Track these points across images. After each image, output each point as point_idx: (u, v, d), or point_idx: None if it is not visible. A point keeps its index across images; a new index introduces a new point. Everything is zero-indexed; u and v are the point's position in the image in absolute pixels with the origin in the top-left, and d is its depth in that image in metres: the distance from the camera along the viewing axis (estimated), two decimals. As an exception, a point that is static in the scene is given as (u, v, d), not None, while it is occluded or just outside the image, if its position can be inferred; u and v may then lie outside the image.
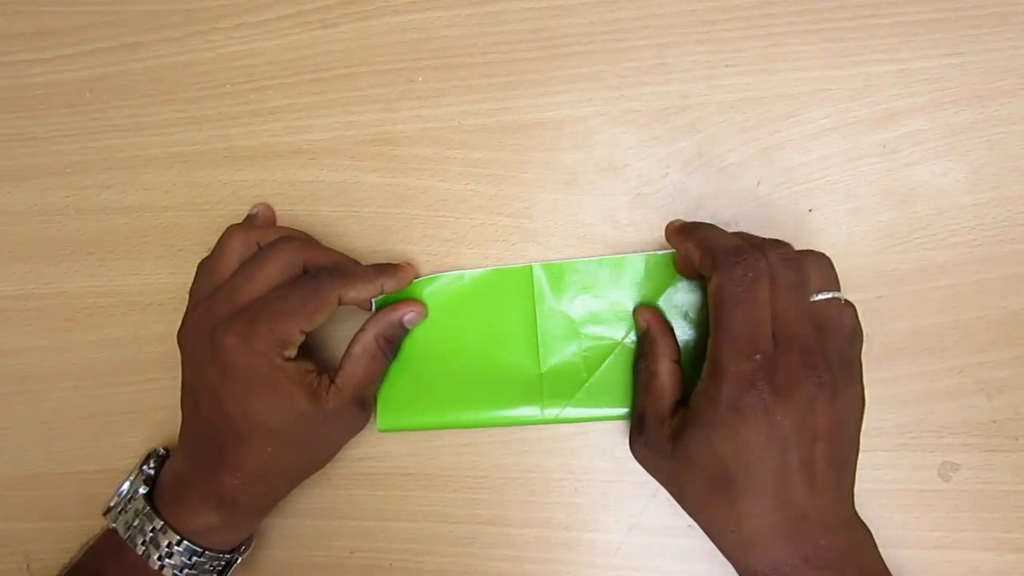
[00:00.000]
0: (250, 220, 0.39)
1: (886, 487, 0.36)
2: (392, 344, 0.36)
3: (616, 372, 0.37)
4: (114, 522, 0.34)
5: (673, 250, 0.36)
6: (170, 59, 0.40)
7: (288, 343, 0.33)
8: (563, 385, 0.37)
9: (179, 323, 0.39)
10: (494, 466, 0.38)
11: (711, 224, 0.34)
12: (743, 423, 0.30)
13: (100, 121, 0.40)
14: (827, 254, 0.32)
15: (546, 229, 0.38)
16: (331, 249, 0.37)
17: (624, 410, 0.37)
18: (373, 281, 0.35)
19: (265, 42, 0.39)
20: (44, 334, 0.41)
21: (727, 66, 0.37)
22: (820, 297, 0.31)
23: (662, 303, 0.36)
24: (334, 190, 0.39)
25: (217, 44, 0.40)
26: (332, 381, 0.35)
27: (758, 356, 0.30)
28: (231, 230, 0.36)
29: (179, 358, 0.39)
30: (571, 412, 0.37)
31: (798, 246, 0.36)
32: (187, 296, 0.39)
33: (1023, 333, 0.36)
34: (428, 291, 0.37)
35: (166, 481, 0.35)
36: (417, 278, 0.37)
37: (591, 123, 0.38)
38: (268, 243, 0.35)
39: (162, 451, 0.37)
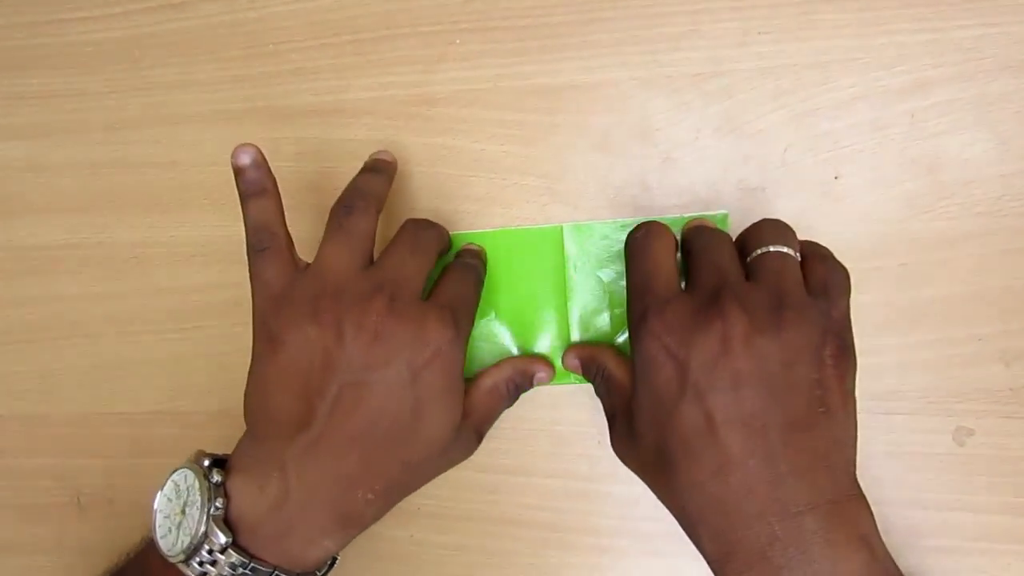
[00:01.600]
0: (383, 164, 0.36)
1: (902, 449, 0.37)
2: (518, 392, 0.37)
3: None
4: (193, 574, 0.29)
5: (702, 214, 0.37)
6: (216, 19, 0.41)
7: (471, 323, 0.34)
8: (590, 344, 0.38)
9: (224, 273, 0.41)
10: (519, 417, 0.39)
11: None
12: (650, 368, 0.29)
13: (147, 78, 0.42)
14: (781, 219, 0.33)
15: (576, 191, 0.39)
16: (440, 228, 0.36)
17: None
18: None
19: (308, 3, 0.40)
20: (94, 282, 0.43)
21: (760, 33, 0.37)
22: (755, 253, 0.31)
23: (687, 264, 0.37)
24: (371, 148, 0.40)
25: (261, 5, 0.41)
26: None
27: (648, 297, 0.30)
28: (353, 210, 0.32)
29: (221, 307, 0.41)
30: None
31: (825, 212, 0.37)
32: (229, 248, 0.41)
33: (1044, 302, 0.36)
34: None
35: (257, 512, 0.29)
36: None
37: (623, 87, 0.38)
38: (409, 229, 0.34)
39: (217, 478, 0.30)
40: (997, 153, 0.36)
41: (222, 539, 0.29)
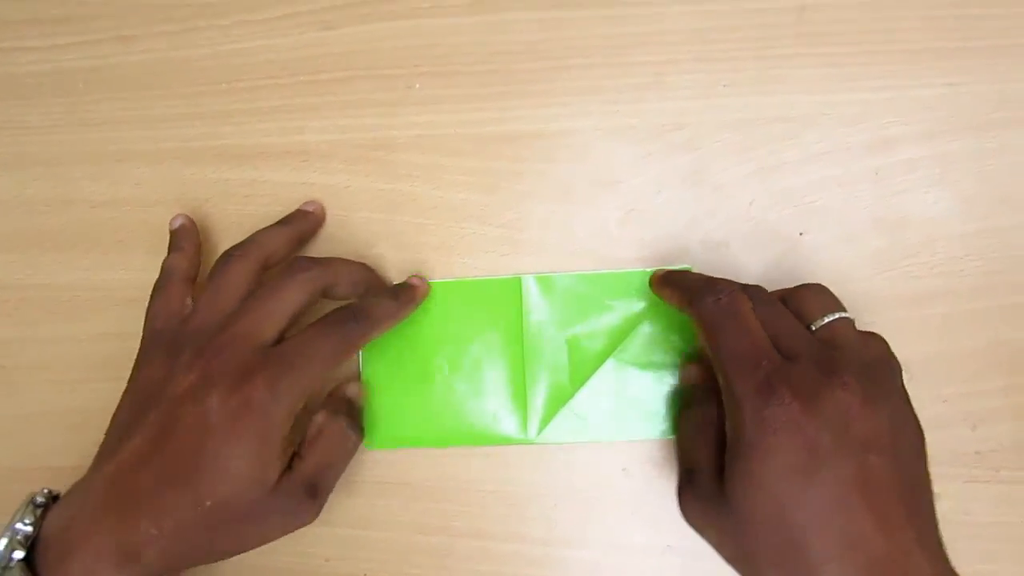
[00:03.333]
0: (299, 216, 0.37)
1: (867, 514, 0.36)
2: (353, 423, 0.35)
3: (601, 391, 0.36)
4: None
5: (663, 267, 0.36)
6: (167, 54, 0.40)
7: (308, 395, 0.31)
8: (548, 403, 0.37)
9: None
10: (473, 479, 0.37)
11: (692, 272, 0.34)
12: (775, 438, 0.27)
13: (92, 113, 0.40)
14: (821, 283, 0.32)
15: (538, 241, 0.38)
16: (343, 263, 0.36)
17: (606, 433, 0.36)
18: (397, 316, 0.35)
19: (263, 41, 0.39)
20: (25, 325, 0.40)
21: (725, 86, 0.37)
22: (822, 322, 0.30)
23: (651, 320, 0.36)
24: (326, 193, 0.39)
25: (215, 41, 0.39)
26: (291, 464, 0.32)
27: (765, 362, 0.29)
28: (231, 259, 0.34)
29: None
30: (552, 434, 0.37)
31: (788, 268, 0.36)
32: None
33: (1009, 365, 0.36)
34: None
35: (53, 532, 0.29)
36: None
37: (587, 136, 0.37)
38: (281, 270, 0.33)
39: (40, 499, 0.30)
40: (960, 212, 0.36)
41: (15, 555, 0.28)
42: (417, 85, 0.38)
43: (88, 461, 0.39)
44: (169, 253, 0.37)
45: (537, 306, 0.37)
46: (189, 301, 0.35)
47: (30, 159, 0.40)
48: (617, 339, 0.36)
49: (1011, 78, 0.36)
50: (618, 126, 0.37)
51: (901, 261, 0.36)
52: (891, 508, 0.27)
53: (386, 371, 0.37)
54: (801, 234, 0.37)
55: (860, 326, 0.36)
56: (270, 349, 0.31)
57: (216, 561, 0.31)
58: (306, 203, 0.38)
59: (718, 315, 0.30)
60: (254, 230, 0.39)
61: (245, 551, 0.32)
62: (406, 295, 0.36)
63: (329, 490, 0.34)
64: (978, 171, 0.36)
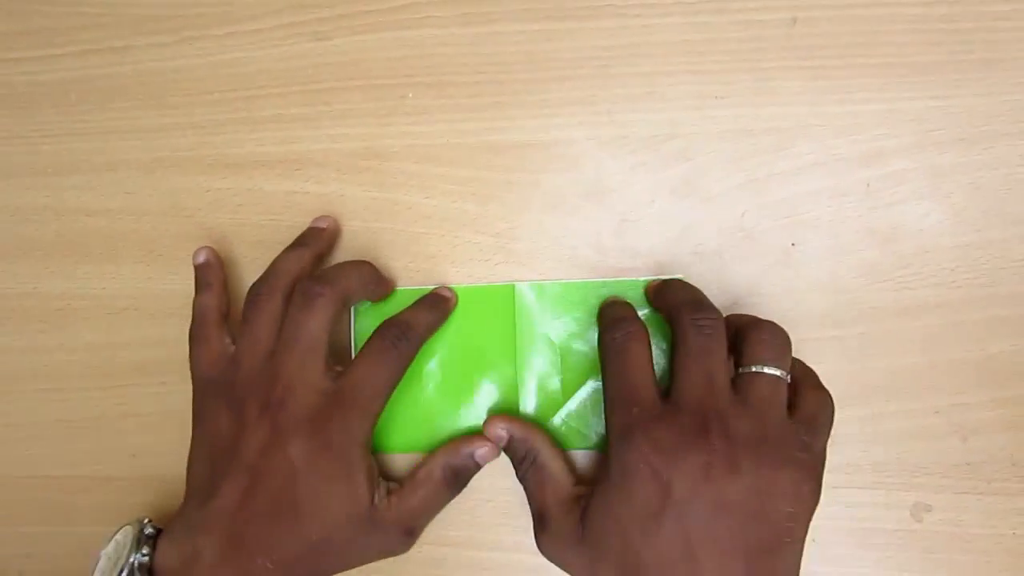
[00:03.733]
0: (314, 235, 0.37)
1: (859, 525, 0.36)
2: (459, 478, 0.35)
3: (593, 398, 0.36)
4: None
5: (655, 277, 0.36)
6: (159, 64, 0.40)
7: (377, 420, 0.33)
8: (540, 411, 0.37)
9: (154, 330, 0.39)
10: (467, 488, 0.37)
11: (679, 284, 0.35)
12: (632, 481, 0.29)
13: (84, 123, 0.40)
14: (783, 328, 0.32)
15: (530, 250, 0.38)
16: (348, 270, 0.35)
17: (597, 442, 0.36)
18: (436, 328, 0.36)
19: (256, 51, 0.39)
20: (16, 335, 0.40)
21: (716, 97, 0.37)
22: (747, 370, 0.30)
23: None
24: (319, 202, 0.39)
25: (208, 51, 0.39)
26: (390, 494, 0.34)
27: (635, 409, 0.30)
28: (259, 298, 0.34)
29: (152, 365, 0.39)
30: None
31: (778, 280, 0.36)
32: (162, 303, 0.39)
33: (1000, 376, 0.36)
34: (405, 304, 0.37)
35: (172, 566, 0.32)
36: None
37: (580, 147, 0.38)
38: (297, 304, 0.33)
39: (151, 529, 0.33)
40: (951, 224, 0.36)
41: None
42: (410, 95, 0.38)
43: (81, 470, 0.39)
44: (197, 293, 0.37)
45: (530, 314, 0.37)
46: (228, 340, 0.35)
47: (22, 168, 0.40)
48: None
49: (1002, 91, 0.36)
50: (610, 136, 0.37)
51: (892, 272, 0.36)
52: (734, 569, 0.28)
53: None
54: (793, 245, 0.37)
55: (853, 337, 0.36)
56: (331, 389, 0.32)
57: None
58: (318, 219, 0.37)
59: (610, 352, 0.32)
60: (246, 239, 0.39)
61: (345, 571, 0.34)
62: (442, 306, 0.36)
63: (423, 529, 0.35)
64: (969, 183, 0.36)
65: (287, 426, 0.32)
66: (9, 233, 0.40)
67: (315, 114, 0.39)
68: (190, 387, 0.38)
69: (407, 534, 0.34)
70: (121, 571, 0.31)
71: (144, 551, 0.32)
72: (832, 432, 0.35)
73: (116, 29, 0.40)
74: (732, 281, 0.37)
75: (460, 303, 0.37)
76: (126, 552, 0.32)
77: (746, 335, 0.31)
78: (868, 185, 0.37)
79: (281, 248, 0.37)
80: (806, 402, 0.31)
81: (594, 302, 0.37)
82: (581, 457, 0.37)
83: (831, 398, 0.32)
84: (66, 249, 0.40)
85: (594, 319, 0.37)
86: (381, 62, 0.39)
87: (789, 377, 0.31)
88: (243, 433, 0.32)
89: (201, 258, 0.37)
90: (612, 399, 0.32)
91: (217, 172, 0.39)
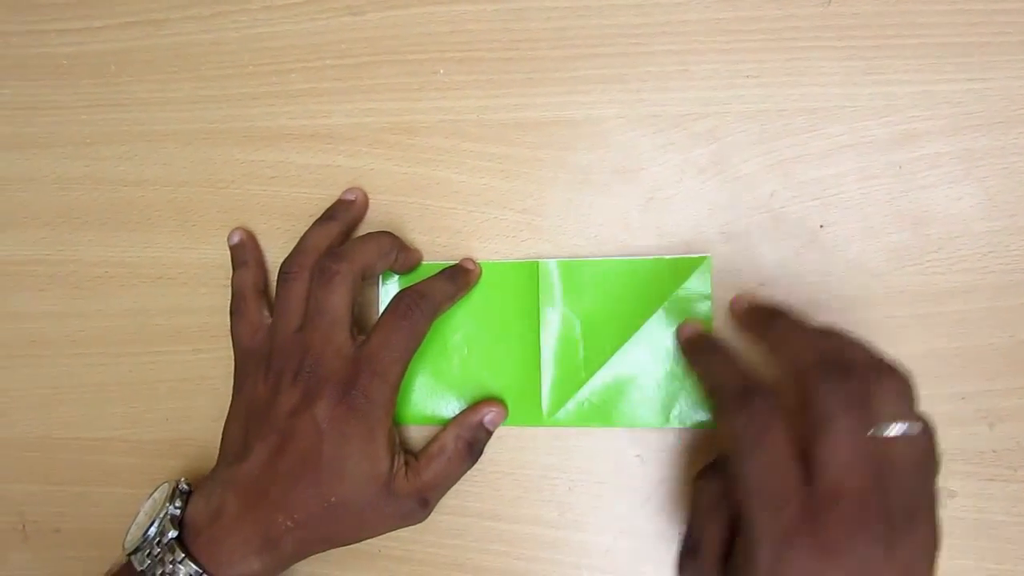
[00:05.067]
0: (343, 207, 0.38)
1: (881, 508, 0.36)
2: (473, 448, 0.36)
3: (615, 376, 0.37)
4: (141, 566, 0.32)
5: (679, 256, 0.36)
6: (196, 37, 0.40)
7: (399, 387, 0.34)
8: (562, 386, 0.37)
9: (188, 298, 0.40)
10: (488, 460, 0.38)
11: (779, 313, 0.33)
12: None
13: (123, 94, 0.41)
14: (906, 371, 0.29)
15: (557, 227, 0.38)
16: (367, 244, 0.36)
17: (618, 419, 0.37)
18: (454, 299, 0.37)
19: (291, 25, 0.40)
20: (54, 301, 0.41)
21: (748, 76, 0.37)
22: (889, 432, 0.27)
23: (667, 308, 0.36)
24: (350, 176, 0.39)
25: (244, 25, 0.40)
26: (407, 466, 0.35)
27: (789, 509, 0.26)
28: (289, 277, 0.35)
29: (185, 332, 0.40)
30: (564, 418, 0.37)
31: (806, 261, 0.36)
32: (197, 272, 0.40)
33: (1029, 363, 0.35)
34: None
35: (200, 519, 0.33)
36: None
37: (609, 124, 0.38)
38: (318, 282, 0.34)
39: (185, 486, 0.35)
40: (984, 209, 0.36)
41: (170, 533, 0.33)
42: (441, 71, 0.39)
43: (115, 432, 0.40)
44: (235, 270, 0.39)
45: (554, 290, 0.37)
46: (266, 313, 0.37)
47: (63, 138, 0.41)
48: (633, 326, 0.37)
49: (1040, 73, 0.36)
50: (640, 115, 0.37)
51: (922, 256, 0.36)
52: None
53: None
54: (821, 226, 0.36)
55: (880, 321, 0.36)
56: (355, 355, 0.34)
57: (336, 547, 0.35)
58: (347, 191, 0.38)
59: (745, 440, 0.28)
60: (279, 211, 0.39)
61: (361, 540, 0.35)
62: (462, 278, 0.37)
63: (438, 500, 0.36)
64: (1004, 168, 0.36)
65: (315, 390, 0.33)
66: (49, 200, 0.41)
67: (347, 88, 0.39)
68: (221, 354, 0.39)
69: (422, 505, 0.35)
70: (153, 522, 0.33)
71: (176, 504, 0.34)
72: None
73: (155, 2, 0.41)
74: (759, 262, 0.37)
75: (485, 278, 0.38)
76: (159, 506, 0.34)
77: (871, 382, 0.28)
78: (900, 168, 0.36)
79: (311, 220, 0.37)
80: (927, 466, 0.28)
81: (619, 280, 0.37)
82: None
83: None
84: (104, 218, 0.41)
85: (619, 297, 0.37)
86: (413, 37, 0.39)
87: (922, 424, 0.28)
88: (276, 398, 0.34)
89: (236, 239, 0.39)
90: (757, 494, 0.27)
91: (251, 144, 0.40)
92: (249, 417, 0.35)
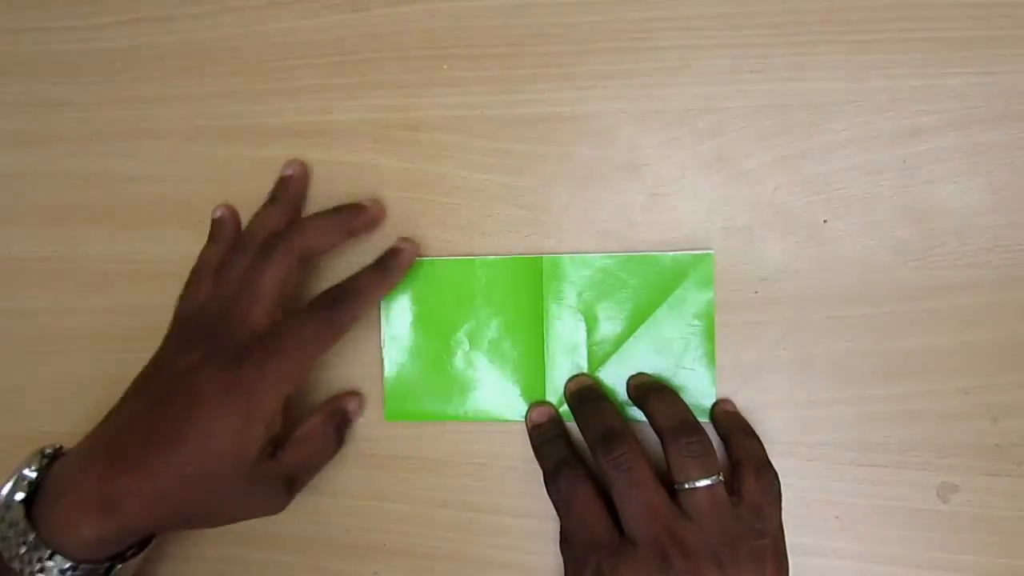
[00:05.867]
0: (283, 185, 0.39)
1: (884, 503, 0.36)
2: (340, 433, 0.37)
3: (617, 371, 0.37)
4: None
5: (681, 252, 0.36)
6: (201, 34, 0.40)
7: (299, 381, 0.34)
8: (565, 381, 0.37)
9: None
10: (493, 454, 0.38)
11: (590, 400, 0.36)
12: None
13: (128, 91, 0.41)
14: (697, 426, 0.33)
15: (560, 223, 0.38)
16: (309, 220, 0.37)
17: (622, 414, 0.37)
18: (384, 287, 0.36)
19: (295, 22, 0.40)
20: (61, 297, 0.41)
21: (752, 72, 0.37)
22: (683, 487, 0.32)
23: (670, 304, 0.36)
24: (354, 172, 0.39)
25: (248, 21, 0.40)
26: (274, 451, 0.34)
27: (600, 551, 0.32)
28: (234, 252, 0.36)
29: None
30: (570, 413, 0.37)
31: (809, 256, 0.36)
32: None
33: (1033, 358, 0.35)
34: (435, 273, 0.38)
35: (48, 482, 0.32)
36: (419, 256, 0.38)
37: (612, 120, 0.38)
38: (255, 253, 0.35)
39: (49, 450, 0.33)
40: (989, 203, 0.36)
41: (16, 495, 0.31)
42: (445, 66, 0.39)
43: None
44: (207, 242, 0.39)
45: (557, 286, 0.37)
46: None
47: (68, 135, 0.41)
48: (636, 321, 0.37)
49: (1047, 67, 0.35)
50: (644, 110, 0.37)
51: (927, 251, 0.36)
52: None
53: (408, 346, 0.38)
54: (825, 221, 0.36)
55: (883, 315, 0.36)
56: (263, 334, 0.33)
57: (191, 529, 0.33)
58: (285, 165, 0.39)
59: (560, 502, 0.34)
60: (283, 207, 0.39)
61: (215, 526, 0.34)
62: (393, 262, 0.36)
63: (303, 486, 0.36)
64: (1010, 162, 0.36)
65: (211, 355, 0.33)
66: (56, 198, 0.41)
67: (351, 84, 0.39)
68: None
69: (287, 488, 0.34)
70: (7, 484, 0.32)
71: (32, 467, 0.32)
72: (860, 410, 0.35)
73: (160, -1, 0.41)
74: (763, 257, 0.37)
75: (488, 274, 0.38)
76: (19, 467, 0.32)
77: (669, 446, 0.33)
78: (904, 162, 0.36)
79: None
80: (749, 491, 0.33)
81: (622, 275, 0.37)
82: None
83: (773, 472, 0.34)
84: (110, 214, 0.41)
85: (622, 292, 0.37)
86: (417, 33, 0.39)
87: (721, 476, 0.32)
88: (175, 358, 0.33)
89: (217, 213, 0.39)
90: (573, 539, 0.33)
91: (255, 141, 0.40)
92: (143, 375, 0.34)
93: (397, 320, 0.38)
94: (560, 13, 0.38)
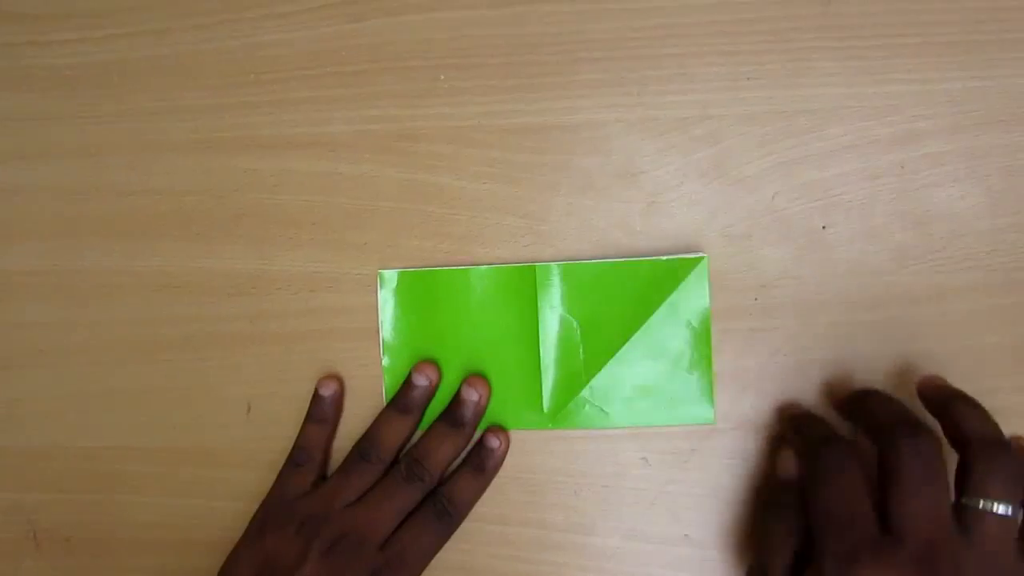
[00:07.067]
0: (412, 392, 0.38)
1: (887, 509, 0.36)
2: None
3: (615, 377, 0.37)
4: None
5: (675, 256, 0.36)
6: (197, 46, 0.40)
7: None
8: (562, 389, 0.37)
9: (195, 306, 0.40)
10: (495, 465, 0.38)
11: (884, 399, 0.33)
12: None
13: (126, 104, 0.41)
14: (1017, 451, 0.31)
15: (559, 232, 0.38)
16: (442, 459, 0.37)
17: (619, 420, 0.37)
18: (484, 489, 0.37)
19: (291, 33, 0.40)
20: (61, 310, 0.41)
21: (748, 79, 0.37)
22: (977, 504, 0.29)
23: (666, 308, 0.36)
24: (352, 183, 0.39)
25: (245, 33, 0.40)
26: None
27: (855, 536, 0.29)
28: (365, 460, 0.37)
29: (192, 342, 0.40)
30: (566, 420, 0.37)
31: (809, 262, 0.36)
32: (202, 281, 0.40)
33: (1034, 362, 0.35)
34: (431, 284, 0.38)
35: None
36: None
37: (609, 129, 0.38)
38: (398, 476, 0.36)
39: None
40: (987, 207, 0.36)
41: None
42: (442, 77, 0.39)
43: (123, 440, 0.41)
44: (311, 423, 0.38)
45: (553, 293, 0.37)
46: (316, 477, 0.38)
47: (67, 149, 0.41)
48: (632, 327, 0.37)
49: (1043, 71, 0.35)
50: (641, 118, 0.37)
51: (925, 256, 0.36)
52: None
53: (406, 353, 0.38)
54: (824, 228, 0.36)
55: (883, 322, 0.36)
56: (386, 550, 0.35)
57: None
58: (417, 375, 0.38)
59: (824, 472, 0.31)
60: (282, 220, 0.40)
61: None
62: (491, 463, 0.37)
63: None
64: (1007, 166, 0.36)
65: (340, 570, 0.35)
66: (55, 211, 0.41)
67: (348, 96, 0.39)
68: (228, 362, 0.39)
69: None
70: None
71: None
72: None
73: (155, 12, 0.41)
74: (762, 264, 0.37)
75: (483, 284, 0.38)
76: None
77: (975, 458, 0.29)
78: (902, 167, 0.36)
79: (314, 228, 0.38)
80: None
81: (617, 281, 0.37)
82: (608, 436, 0.37)
83: None
84: (108, 227, 0.41)
85: (617, 298, 0.37)
86: (414, 44, 0.39)
87: (1022, 513, 0.29)
88: (301, 565, 0.35)
89: (328, 391, 0.38)
90: (826, 522, 0.30)
91: (253, 153, 0.40)
92: (263, 565, 0.35)
93: (395, 330, 0.38)
94: (556, 23, 0.38)
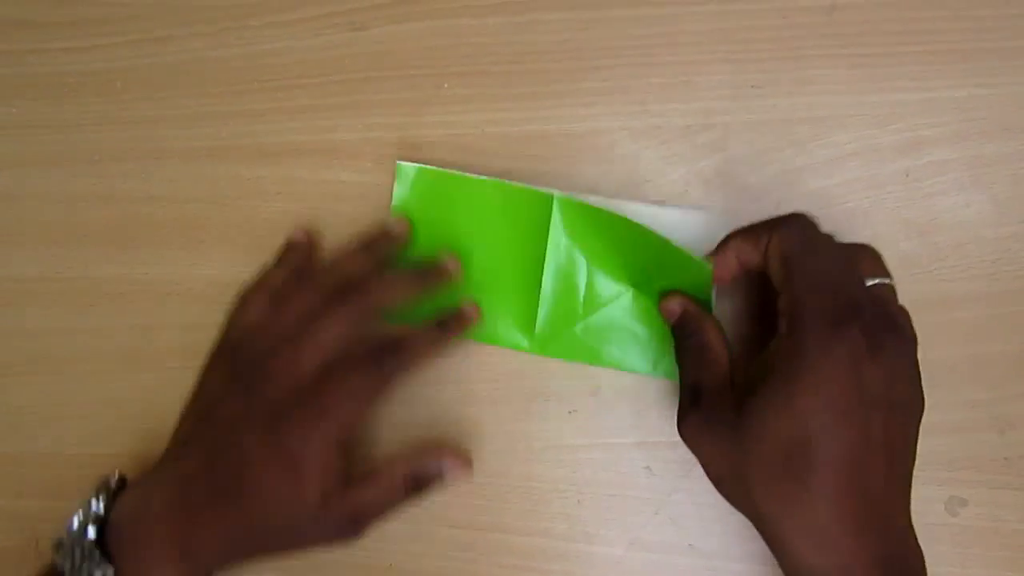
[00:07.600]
0: (290, 248, 0.38)
1: (892, 518, 0.36)
2: (420, 486, 0.34)
3: (611, 320, 0.37)
4: (62, 565, 0.31)
5: (688, 252, 0.35)
6: (200, 54, 0.40)
7: (350, 434, 0.33)
8: (557, 318, 0.37)
9: (196, 315, 0.40)
10: (497, 473, 0.38)
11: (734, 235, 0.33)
12: (833, 371, 0.27)
13: (129, 111, 0.41)
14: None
15: (563, 240, 0.38)
16: (390, 284, 0.36)
17: (603, 359, 0.37)
18: (440, 347, 0.36)
19: (294, 41, 0.40)
20: (64, 317, 0.41)
21: (753, 87, 0.37)
22: (872, 281, 0.30)
23: (671, 268, 0.35)
24: (355, 191, 0.39)
25: (247, 41, 0.40)
26: (348, 485, 0.33)
27: (843, 291, 0.28)
28: (308, 283, 0.35)
29: (193, 348, 0.40)
30: (552, 348, 0.37)
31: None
32: (204, 289, 0.40)
33: (1039, 370, 0.35)
34: (448, 186, 0.37)
35: (123, 521, 0.32)
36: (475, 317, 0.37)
37: (614, 137, 0.38)
38: (328, 299, 0.34)
39: (114, 483, 0.34)
40: (992, 215, 0.36)
41: (89, 531, 0.31)
42: (445, 85, 0.39)
43: (124, 447, 0.40)
44: (275, 264, 0.38)
45: (567, 225, 0.37)
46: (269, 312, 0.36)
47: (70, 156, 0.41)
48: (638, 281, 0.36)
49: (1048, 79, 0.35)
50: (645, 126, 0.37)
51: (931, 264, 0.36)
52: (900, 466, 0.28)
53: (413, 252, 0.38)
54: (828, 236, 0.36)
55: (887, 329, 0.36)
56: (305, 390, 0.33)
57: (262, 559, 0.34)
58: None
59: (805, 240, 0.30)
60: (285, 227, 0.39)
61: (291, 556, 0.34)
62: (455, 324, 0.36)
63: (371, 523, 0.34)
64: (1012, 174, 0.36)
65: (253, 410, 0.33)
66: (58, 218, 0.41)
67: (351, 104, 0.39)
68: (230, 370, 0.39)
69: (355, 528, 0.33)
70: (78, 512, 0.32)
71: (102, 499, 0.33)
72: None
73: (158, 20, 0.41)
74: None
75: (499, 201, 0.37)
76: (87, 497, 0.33)
77: (858, 256, 0.31)
78: (907, 175, 0.36)
79: (321, 236, 0.38)
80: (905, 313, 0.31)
81: (628, 233, 0.35)
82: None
83: None
84: (111, 235, 0.41)
85: (627, 247, 0.36)
86: (417, 52, 0.39)
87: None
88: (223, 401, 0.33)
89: (295, 236, 0.38)
90: (816, 279, 0.29)
91: (256, 161, 0.40)
92: (198, 413, 0.35)
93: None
94: (559, 30, 0.38)
